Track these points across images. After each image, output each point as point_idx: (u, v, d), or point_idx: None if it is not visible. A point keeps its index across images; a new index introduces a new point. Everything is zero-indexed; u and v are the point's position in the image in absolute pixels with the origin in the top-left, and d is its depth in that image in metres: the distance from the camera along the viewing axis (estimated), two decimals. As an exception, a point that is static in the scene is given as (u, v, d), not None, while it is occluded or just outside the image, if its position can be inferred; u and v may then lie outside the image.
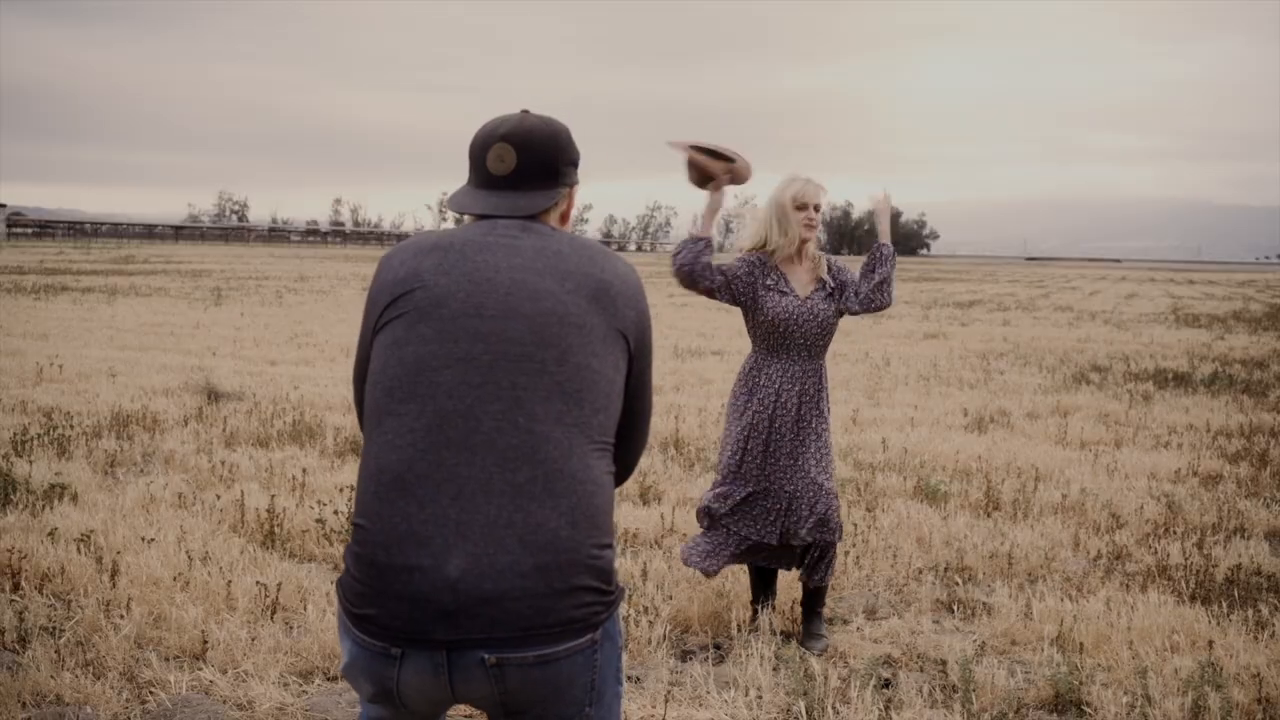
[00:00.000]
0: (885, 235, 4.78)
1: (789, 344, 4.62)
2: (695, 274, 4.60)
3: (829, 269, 4.75)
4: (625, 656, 4.32)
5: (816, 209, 4.66)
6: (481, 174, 2.22)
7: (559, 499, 1.98)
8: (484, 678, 1.96)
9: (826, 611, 4.99)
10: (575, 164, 2.27)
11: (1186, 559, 5.80)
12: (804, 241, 4.67)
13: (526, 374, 2.02)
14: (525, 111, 2.25)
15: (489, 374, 2.02)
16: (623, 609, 4.65)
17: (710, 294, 4.66)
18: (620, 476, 2.27)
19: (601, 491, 2.05)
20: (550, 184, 2.21)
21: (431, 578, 1.94)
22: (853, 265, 4.96)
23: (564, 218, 2.28)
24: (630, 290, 2.16)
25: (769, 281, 4.63)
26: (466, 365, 2.03)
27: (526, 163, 2.19)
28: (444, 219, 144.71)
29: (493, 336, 2.04)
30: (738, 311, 27.76)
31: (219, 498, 6.43)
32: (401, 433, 2.02)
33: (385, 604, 1.97)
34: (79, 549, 5.28)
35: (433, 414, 2.01)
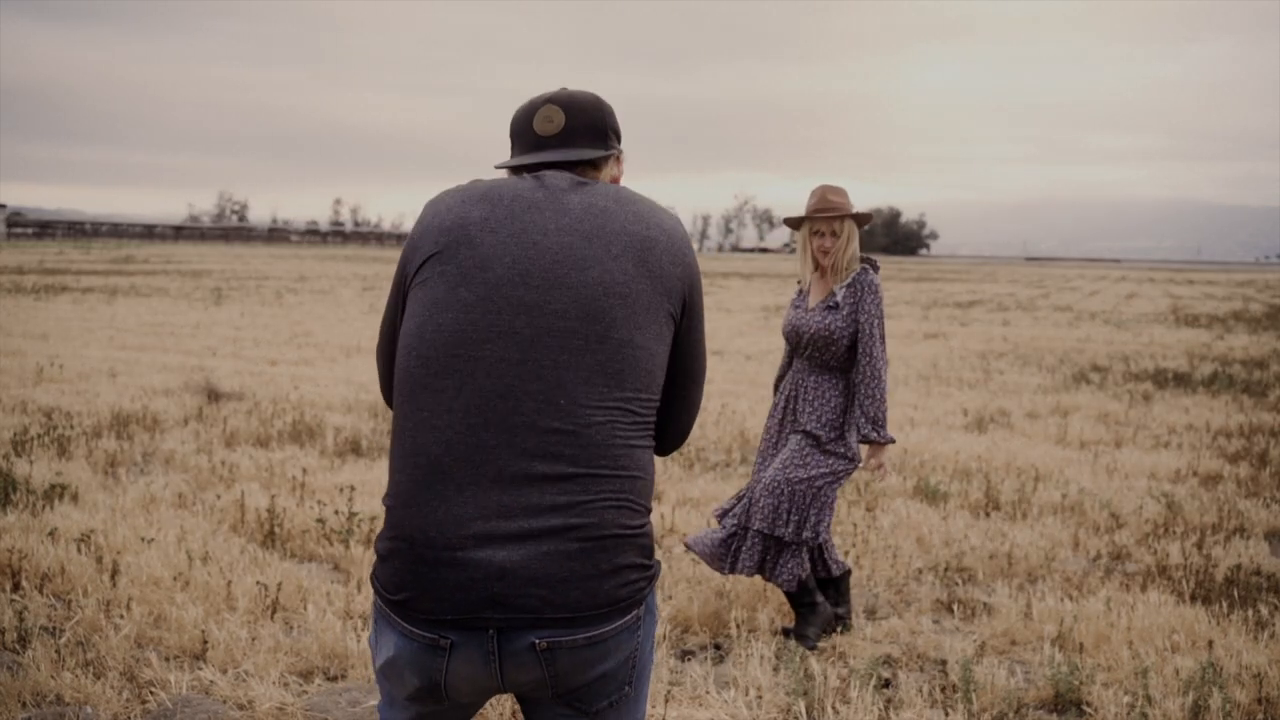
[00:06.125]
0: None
1: (800, 352, 4.85)
2: None
3: (847, 284, 4.72)
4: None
5: (834, 235, 4.75)
6: (528, 138, 2.18)
7: (603, 482, 1.96)
8: (534, 662, 1.94)
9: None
10: (619, 136, 2.25)
11: (1186, 559, 5.81)
12: (820, 265, 4.83)
13: (569, 352, 1.99)
14: (564, 88, 2.24)
15: (530, 350, 1.98)
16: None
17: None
18: (670, 444, 2.23)
19: (644, 473, 2.04)
20: (600, 143, 2.19)
21: (478, 562, 1.91)
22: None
23: (613, 182, 2.24)
24: (675, 244, 2.11)
25: (794, 298, 4.97)
26: (507, 340, 1.99)
27: (575, 121, 2.17)
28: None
29: (536, 309, 2.00)
30: (738, 311, 27.44)
31: (219, 498, 6.43)
32: (439, 412, 1.98)
33: (432, 591, 1.93)
34: (79, 549, 5.28)
35: (472, 392, 1.97)
